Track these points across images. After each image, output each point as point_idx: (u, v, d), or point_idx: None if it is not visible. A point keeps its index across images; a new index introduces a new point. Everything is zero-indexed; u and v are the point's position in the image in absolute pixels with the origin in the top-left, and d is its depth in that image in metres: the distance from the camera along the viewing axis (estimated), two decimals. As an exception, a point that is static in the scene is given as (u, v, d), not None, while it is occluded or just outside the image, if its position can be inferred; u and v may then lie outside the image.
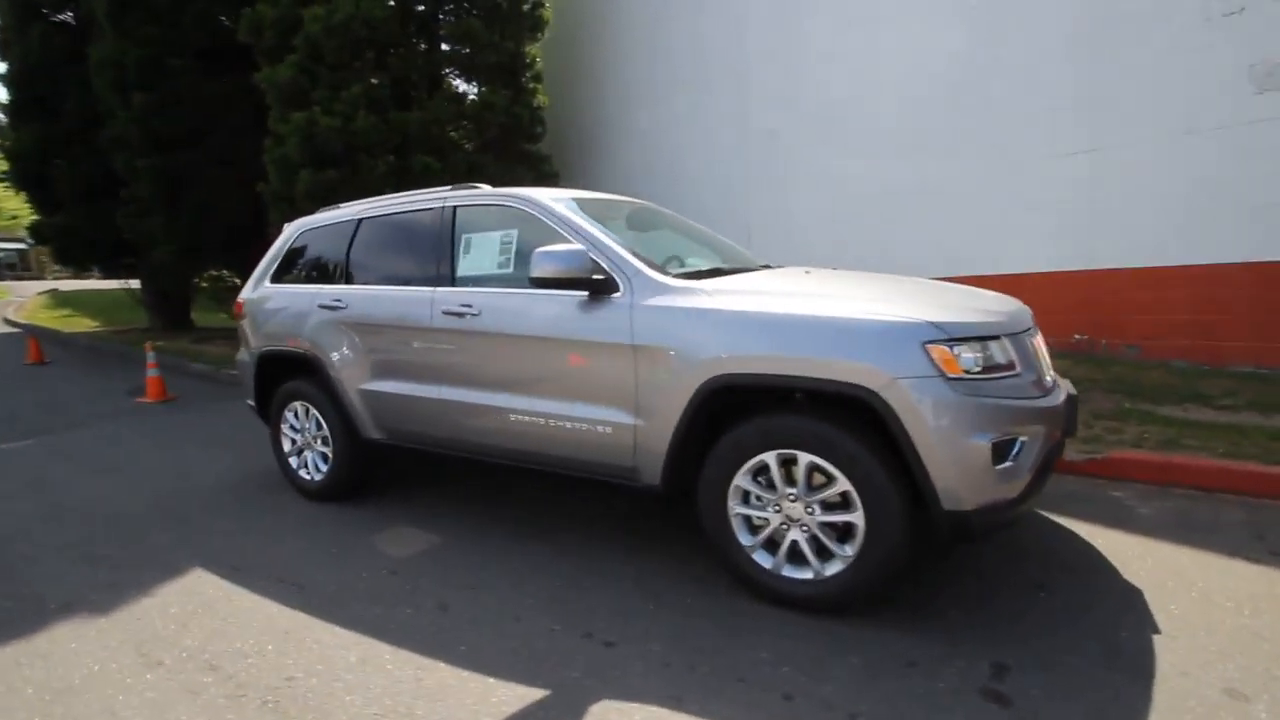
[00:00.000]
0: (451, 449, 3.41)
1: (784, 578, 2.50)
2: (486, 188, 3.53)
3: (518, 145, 9.72)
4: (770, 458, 2.46)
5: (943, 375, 2.22)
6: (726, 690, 2.07)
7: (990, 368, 2.32)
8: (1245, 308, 5.35)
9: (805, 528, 2.45)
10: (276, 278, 4.21)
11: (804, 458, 2.39)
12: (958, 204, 6.81)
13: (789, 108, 8.23)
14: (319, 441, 3.93)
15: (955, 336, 2.28)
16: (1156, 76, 5.54)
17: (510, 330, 3.06)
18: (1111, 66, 5.76)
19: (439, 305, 3.29)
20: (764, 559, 2.54)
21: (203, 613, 2.69)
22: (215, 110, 10.76)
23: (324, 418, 3.82)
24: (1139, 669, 2.08)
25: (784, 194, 8.38)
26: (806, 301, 2.51)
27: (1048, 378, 2.61)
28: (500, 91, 9.12)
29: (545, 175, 9.96)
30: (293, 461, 4.08)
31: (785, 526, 2.49)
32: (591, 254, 2.81)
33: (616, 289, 2.79)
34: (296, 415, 4.01)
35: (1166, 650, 2.17)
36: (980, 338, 2.33)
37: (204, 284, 13.49)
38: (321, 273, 4.00)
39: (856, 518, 2.33)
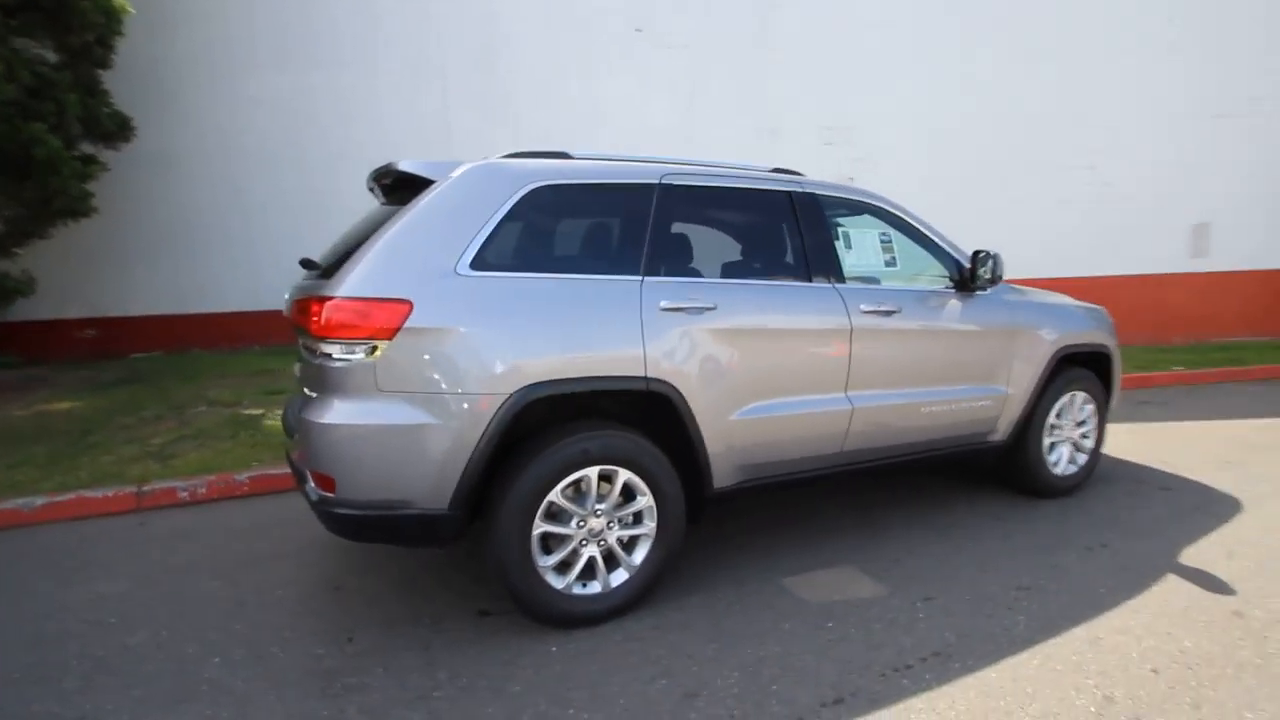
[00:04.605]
0: (814, 469, 2.99)
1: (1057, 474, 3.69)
2: (808, 176, 3.18)
3: (85, 67, 5.92)
4: (1072, 395, 3.68)
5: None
6: None
7: None
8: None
9: (1072, 442, 3.74)
10: (486, 260, 2.32)
11: (1079, 395, 3.71)
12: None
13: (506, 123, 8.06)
14: (616, 524, 2.50)
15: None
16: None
17: (931, 325, 3.17)
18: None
19: (855, 303, 2.90)
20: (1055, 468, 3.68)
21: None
22: None
23: (649, 481, 2.49)
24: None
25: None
26: (1069, 299, 3.83)
27: None
28: (77, -27, 5.42)
29: (116, 125, 6.38)
30: (552, 580, 2.40)
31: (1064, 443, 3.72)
32: None
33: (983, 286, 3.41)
34: (579, 496, 2.42)
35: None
36: None
37: None
38: (602, 256, 2.55)
39: (1093, 425, 3.79)
